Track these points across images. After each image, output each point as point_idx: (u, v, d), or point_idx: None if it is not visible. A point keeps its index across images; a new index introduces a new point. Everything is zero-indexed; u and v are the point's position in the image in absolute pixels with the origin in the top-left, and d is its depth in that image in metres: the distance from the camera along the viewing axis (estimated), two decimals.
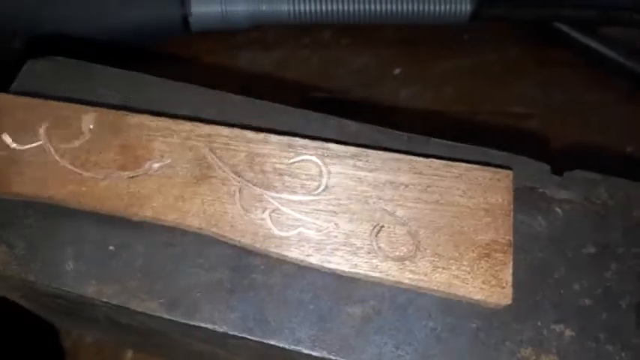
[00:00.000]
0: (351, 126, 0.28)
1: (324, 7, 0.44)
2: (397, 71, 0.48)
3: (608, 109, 0.47)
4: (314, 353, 0.24)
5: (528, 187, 0.27)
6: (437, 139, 0.28)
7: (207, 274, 0.25)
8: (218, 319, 0.24)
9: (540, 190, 0.27)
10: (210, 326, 0.24)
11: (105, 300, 0.25)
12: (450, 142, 0.28)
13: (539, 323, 0.25)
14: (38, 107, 0.27)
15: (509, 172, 0.26)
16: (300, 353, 0.24)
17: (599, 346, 0.25)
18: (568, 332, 0.25)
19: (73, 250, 0.26)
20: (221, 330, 0.24)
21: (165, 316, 0.24)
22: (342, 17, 0.44)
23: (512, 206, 0.25)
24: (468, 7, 0.44)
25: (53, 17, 0.40)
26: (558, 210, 0.27)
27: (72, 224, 0.26)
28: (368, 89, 0.46)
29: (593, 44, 0.47)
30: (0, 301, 0.35)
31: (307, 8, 0.44)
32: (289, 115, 0.29)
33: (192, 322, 0.24)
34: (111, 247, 0.26)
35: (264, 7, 0.43)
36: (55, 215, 0.26)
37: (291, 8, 0.43)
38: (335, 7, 0.44)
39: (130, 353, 0.40)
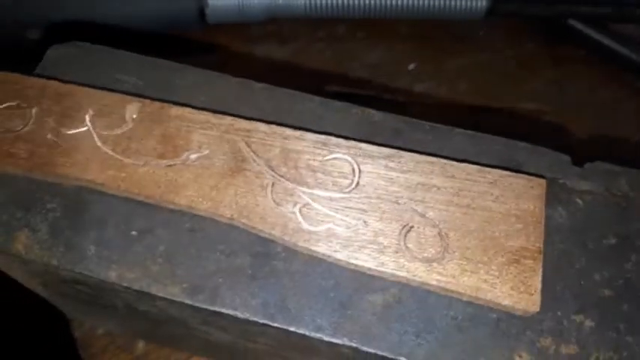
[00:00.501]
0: (374, 115, 0.29)
1: (340, 1, 0.44)
2: (412, 66, 0.48)
3: (621, 105, 0.47)
4: (335, 340, 0.24)
5: (549, 177, 0.27)
6: (459, 129, 0.28)
7: (228, 260, 0.25)
8: (239, 305, 0.24)
9: (561, 180, 0.27)
10: (231, 312, 0.24)
11: (126, 285, 0.25)
12: (471, 132, 0.28)
13: (559, 313, 0.25)
14: (84, 95, 0.27)
15: (543, 181, 0.26)
16: (321, 340, 0.24)
17: (619, 337, 0.25)
18: (588, 322, 0.25)
19: (96, 235, 0.26)
20: (242, 316, 0.24)
21: (187, 301, 0.24)
22: (357, 11, 0.45)
23: (543, 214, 0.25)
24: (484, 3, 0.44)
25: (71, 7, 0.41)
26: (579, 201, 0.27)
27: (95, 209, 0.26)
28: (382, 84, 0.47)
29: (607, 41, 0.47)
30: (13, 292, 0.35)
31: (323, 2, 0.44)
32: (311, 103, 0.29)
33: (213, 308, 0.24)
34: (133, 232, 0.26)
35: (280, 1, 0.44)
36: (78, 200, 0.26)
37: (308, 2, 0.44)
38: (351, 1, 0.44)
39: (141, 344, 0.40)
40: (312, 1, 0.44)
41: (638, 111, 0.47)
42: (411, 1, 0.44)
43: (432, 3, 0.44)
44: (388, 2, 0.44)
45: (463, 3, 0.44)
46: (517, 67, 0.49)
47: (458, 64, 0.48)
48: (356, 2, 0.44)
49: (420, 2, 0.44)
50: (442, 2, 0.44)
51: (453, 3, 0.44)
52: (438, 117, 0.47)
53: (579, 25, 0.47)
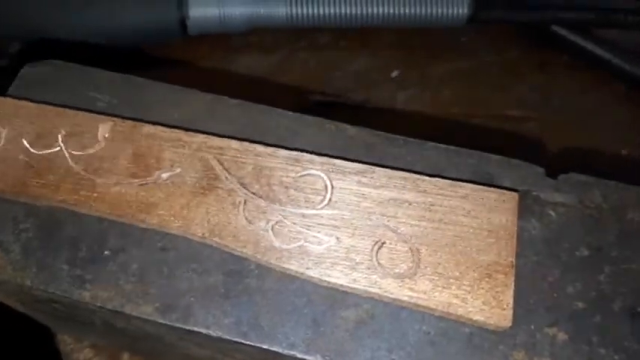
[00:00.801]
0: (348, 130, 0.29)
1: (322, 11, 0.44)
2: (395, 74, 0.48)
3: (606, 111, 0.47)
4: (308, 357, 0.24)
5: (522, 190, 0.27)
6: (432, 143, 0.28)
7: (200, 278, 0.25)
8: (212, 324, 0.24)
9: (534, 193, 0.28)
10: (204, 331, 0.24)
11: (100, 305, 0.25)
12: (444, 146, 0.28)
13: (532, 327, 0.25)
14: (56, 115, 0.28)
15: (515, 194, 0.26)
16: (294, 358, 0.24)
17: (592, 349, 0.25)
18: (561, 335, 0.25)
19: (69, 255, 0.26)
20: (215, 335, 0.24)
21: (160, 320, 0.25)
22: (339, 21, 0.45)
23: (515, 228, 0.25)
24: (465, 10, 0.44)
25: (50, 21, 0.41)
26: (552, 213, 0.27)
27: (68, 229, 0.26)
28: (366, 92, 0.47)
29: (591, 46, 0.47)
30: None
31: (305, 12, 0.44)
32: (285, 119, 0.29)
33: (186, 327, 0.24)
34: (106, 252, 0.26)
35: (261, 11, 0.44)
36: (51, 220, 0.26)
37: (289, 12, 0.44)
38: (333, 11, 0.44)
39: (126, 356, 0.40)
40: (294, 11, 0.44)
41: (621, 116, 0.47)
42: (392, 10, 0.44)
43: (412, 11, 0.44)
44: (370, 11, 0.44)
45: (444, 11, 0.44)
46: (501, 73, 0.49)
47: (442, 71, 0.48)
48: (338, 12, 0.44)
49: (401, 11, 0.44)
50: (423, 10, 0.44)
51: (433, 11, 0.44)
52: (422, 124, 0.47)
53: (563, 31, 0.47)
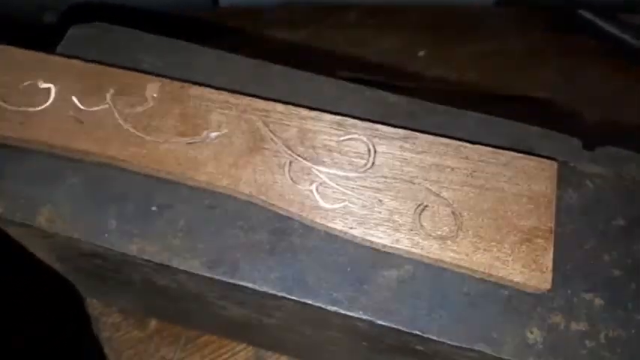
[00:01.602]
0: (389, 97, 0.29)
1: None
2: (422, 53, 0.48)
3: (629, 94, 0.48)
4: (350, 313, 0.25)
5: (560, 161, 0.28)
6: (473, 112, 0.29)
7: (247, 235, 0.26)
8: (258, 279, 0.25)
9: (572, 164, 0.28)
10: (250, 285, 0.25)
11: (147, 258, 0.25)
12: (485, 116, 0.29)
13: (569, 292, 0.26)
14: (105, 73, 0.28)
15: (554, 163, 0.26)
16: (336, 313, 0.25)
17: (628, 315, 0.25)
18: (598, 301, 0.25)
19: (117, 210, 0.26)
20: (261, 289, 0.25)
21: (207, 274, 0.25)
22: None
23: (554, 195, 0.26)
24: None
25: None
26: (589, 184, 0.28)
27: (116, 185, 0.27)
28: (393, 70, 0.47)
29: (616, 31, 0.48)
30: (30, 270, 0.36)
31: None
32: (327, 85, 0.29)
33: (233, 281, 0.25)
34: (154, 208, 0.26)
35: None
36: (99, 176, 0.27)
37: None
38: None
39: (154, 322, 0.41)
40: None
41: None
42: None
43: None
44: None
45: None
46: (526, 55, 0.49)
47: (468, 52, 0.49)
48: None
49: None
50: None
51: None
52: (448, 104, 0.48)
53: (588, 15, 0.48)
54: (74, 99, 0.27)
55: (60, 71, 0.28)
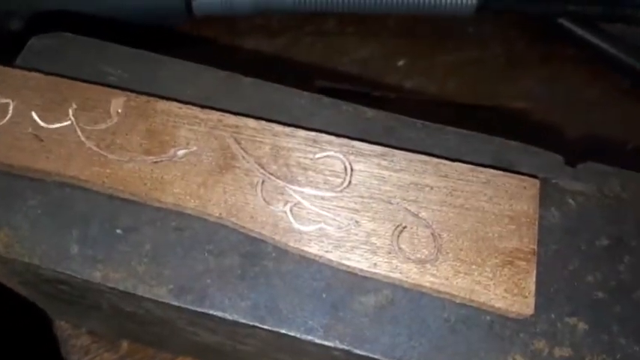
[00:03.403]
0: (366, 112, 0.28)
1: None
2: (401, 62, 0.47)
3: (610, 105, 0.47)
4: (326, 343, 0.24)
5: (542, 177, 0.27)
6: (451, 128, 0.28)
7: (217, 260, 0.25)
8: (228, 307, 0.24)
9: (554, 181, 0.27)
10: (220, 314, 0.24)
11: (111, 285, 0.24)
12: (464, 131, 0.28)
13: (553, 316, 0.25)
14: (67, 87, 0.26)
15: (536, 181, 0.26)
16: (312, 343, 0.24)
17: (613, 339, 0.24)
18: (582, 325, 0.25)
19: (79, 233, 0.25)
20: (231, 318, 0.24)
21: (174, 302, 0.24)
22: (346, 6, 0.44)
23: (537, 215, 0.25)
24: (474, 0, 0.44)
25: None
26: (572, 201, 0.27)
27: (78, 207, 0.25)
28: (372, 80, 0.46)
29: (597, 40, 0.47)
30: None
31: None
32: (301, 99, 0.28)
33: (201, 310, 0.24)
34: (118, 231, 0.25)
35: None
36: (60, 197, 0.25)
37: None
38: None
39: (125, 344, 0.40)
40: None
41: (625, 110, 0.47)
42: None
43: None
44: None
45: None
46: (507, 64, 0.48)
47: (447, 61, 0.48)
48: None
49: None
50: None
51: None
52: (428, 114, 0.47)
53: (569, 24, 0.47)
54: (34, 115, 0.26)
55: (18, 85, 0.26)
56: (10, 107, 0.26)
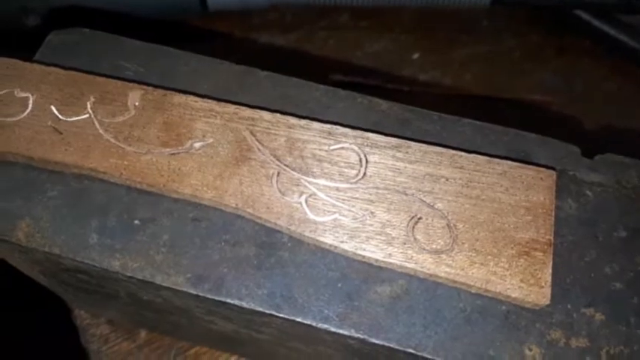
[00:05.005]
0: (381, 104, 0.28)
1: None
2: (416, 56, 0.47)
3: (627, 96, 0.47)
4: (342, 331, 0.24)
5: (559, 169, 0.27)
6: (467, 120, 0.28)
7: (233, 249, 0.25)
8: (245, 296, 0.24)
9: (571, 172, 0.27)
10: (237, 302, 0.24)
11: (129, 274, 0.24)
12: (480, 123, 0.28)
13: (569, 306, 0.25)
14: (85, 81, 0.27)
15: (552, 172, 0.26)
16: (327, 331, 0.24)
17: (630, 330, 0.24)
18: (598, 316, 0.24)
19: (98, 224, 0.25)
20: (248, 306, 0.24)
21: (192, 291, 0.24)
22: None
23: (553, 206, 0.25)
24: None
25: None
26: (589, 193, 0.27)
27: (97, 198, 0.26)
28: (386, 73, 0.46)
29: (613, 32, 0.47)
30: (15, 278, 0.34)
31: None
32: (316, 91, 0.28)
33: (218, 298, 0.24)
34: (136, 221, 0.25)
35: None
36: (79, 188, 0.26)
37: None
38: None
39: (143, 333, 0.40)
40: None
41: None
42: None
43: None
44: None
45: None
46: (522, 57, 0.48)
47: (462, 54, 0.48)
48: None
49: None
50: None
51: None
52: (443, 108, 0.47)
53: (585, 16, 0.47)
54: (53, 108, 0.26)
55: (38, 80, 0.27)
56: (30, 101, 0.26)
